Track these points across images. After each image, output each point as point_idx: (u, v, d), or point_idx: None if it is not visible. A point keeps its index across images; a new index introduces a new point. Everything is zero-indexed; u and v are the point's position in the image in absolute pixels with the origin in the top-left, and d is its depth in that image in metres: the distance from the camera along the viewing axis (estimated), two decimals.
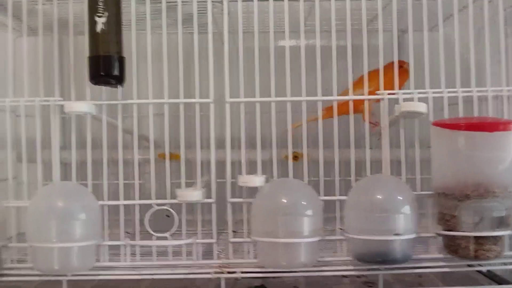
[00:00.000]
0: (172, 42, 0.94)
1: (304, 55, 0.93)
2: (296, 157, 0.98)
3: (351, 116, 0.93)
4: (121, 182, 0.93)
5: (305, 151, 0.93)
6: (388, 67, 0.95)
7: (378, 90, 0.94)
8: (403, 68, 0.98)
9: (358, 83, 0.97)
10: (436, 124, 0.88)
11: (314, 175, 0.95)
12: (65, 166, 1.14)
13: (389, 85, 0.94)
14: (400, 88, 0.95)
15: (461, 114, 0.92)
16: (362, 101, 0.95)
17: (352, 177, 0.93)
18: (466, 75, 0.94)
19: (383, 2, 0.95)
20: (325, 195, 0.93)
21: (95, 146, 0.95)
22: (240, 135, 0.93)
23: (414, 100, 0.92)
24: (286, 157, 1.06)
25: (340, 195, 0.92)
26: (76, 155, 0.94)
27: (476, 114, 0.92)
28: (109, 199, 0.93)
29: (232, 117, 0.93)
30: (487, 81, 0.93)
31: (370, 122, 0.98)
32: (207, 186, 0.95)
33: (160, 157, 1.02)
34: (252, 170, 0.94)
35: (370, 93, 0.95)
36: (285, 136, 0.95)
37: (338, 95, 0.95)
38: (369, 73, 0.95)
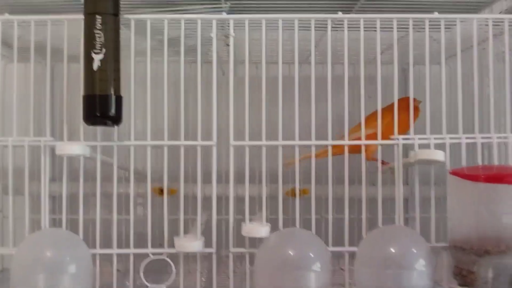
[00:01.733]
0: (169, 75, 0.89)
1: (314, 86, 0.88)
2: (293, 194, 0.93)
3: (363, 156, 0.90)
4: (114, 230, 0.87)
5: (313, 190, 0.88)
6: (401, 104, 0.90)
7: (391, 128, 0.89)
8: (414, 105, 0.93)
9: (368, 121, 0.92)
10: (454, 173, 0.83)
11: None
12: (53, 199, 1.08)
13: (403, 124, 0.90)
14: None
15: (480, 161, 0.87)
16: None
17: (363, 225, 0.88)
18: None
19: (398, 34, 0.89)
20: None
21: (85, 179, 0.89)
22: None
23: (430, 147, 0.86)
24: (287, 193, 1.00)
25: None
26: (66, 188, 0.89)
27: (496, 161, 0.87)
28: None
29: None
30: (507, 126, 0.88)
31: (382, 162, 0.92)
32: (206, 225, 0.90)
33: (154, 191, 0.96)
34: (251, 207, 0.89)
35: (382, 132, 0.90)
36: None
37: (349, 130, 0.90)
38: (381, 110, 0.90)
